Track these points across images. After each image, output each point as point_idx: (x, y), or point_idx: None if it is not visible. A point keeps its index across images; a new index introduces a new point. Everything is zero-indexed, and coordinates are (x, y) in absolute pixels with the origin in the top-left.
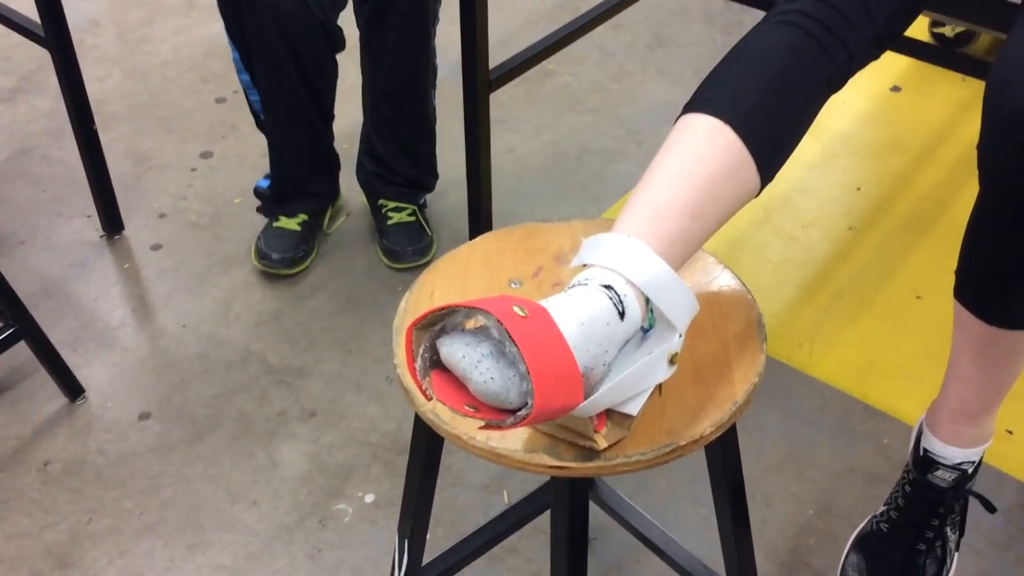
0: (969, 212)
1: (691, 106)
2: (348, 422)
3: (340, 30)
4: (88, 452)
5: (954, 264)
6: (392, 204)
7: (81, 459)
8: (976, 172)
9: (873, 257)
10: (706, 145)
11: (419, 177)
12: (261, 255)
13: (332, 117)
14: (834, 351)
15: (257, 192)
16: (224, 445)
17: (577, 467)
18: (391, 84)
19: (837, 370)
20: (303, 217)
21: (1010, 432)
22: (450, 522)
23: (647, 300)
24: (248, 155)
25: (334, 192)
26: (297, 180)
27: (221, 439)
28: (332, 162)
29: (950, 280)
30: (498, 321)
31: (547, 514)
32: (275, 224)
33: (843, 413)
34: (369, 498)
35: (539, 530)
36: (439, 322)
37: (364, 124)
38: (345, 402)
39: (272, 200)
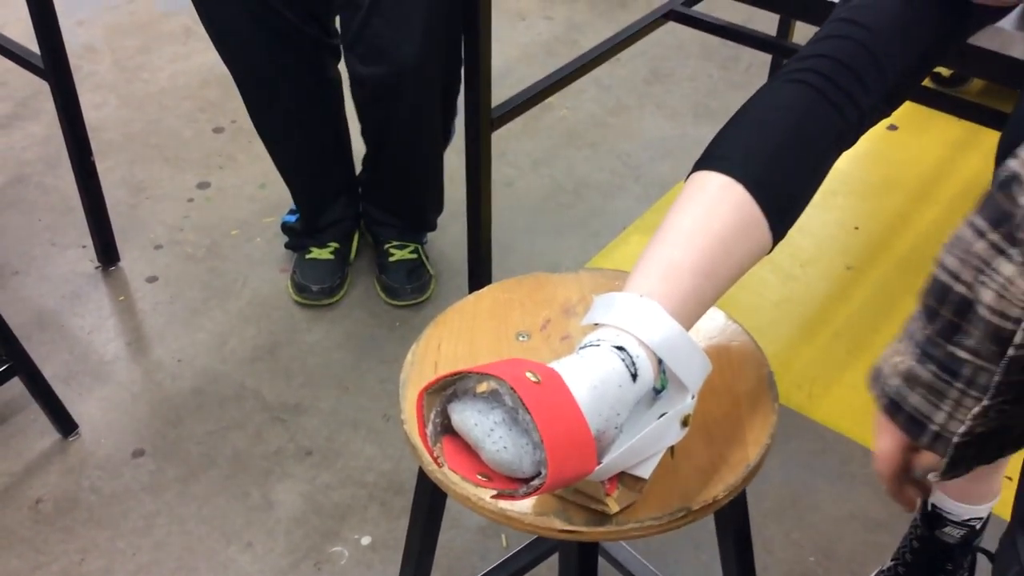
0: None
1: (702, 163)
2: (344, 461)
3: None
4: (81, 490)
5: None
6: (395, 242)
7: (74, 497)
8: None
9: (871, 297)
10: (718, 203)
11: (424, 220)
12: (300, 288)
13: (347, 141)
14: (833, 393)
15: (285, 227)
16: (218, 484)
17: (588, 532)
18: (395, 155)
19: (836, 412)
20: (334, 245)
21: (1009, 478)
22: (447, 566)
23: (659, 361)
24: (245, 186)
25: (358, 214)
26: (324, 210)
27: (215, 478)
28: (353, 183)
29: None
30: (511, 388)
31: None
32: (307, 256)
33: (843, 457)
34: (366, 540)
35: None
36: (450, 386)
37: (364, 169)
38: (341, 441)
39: (304, 233)
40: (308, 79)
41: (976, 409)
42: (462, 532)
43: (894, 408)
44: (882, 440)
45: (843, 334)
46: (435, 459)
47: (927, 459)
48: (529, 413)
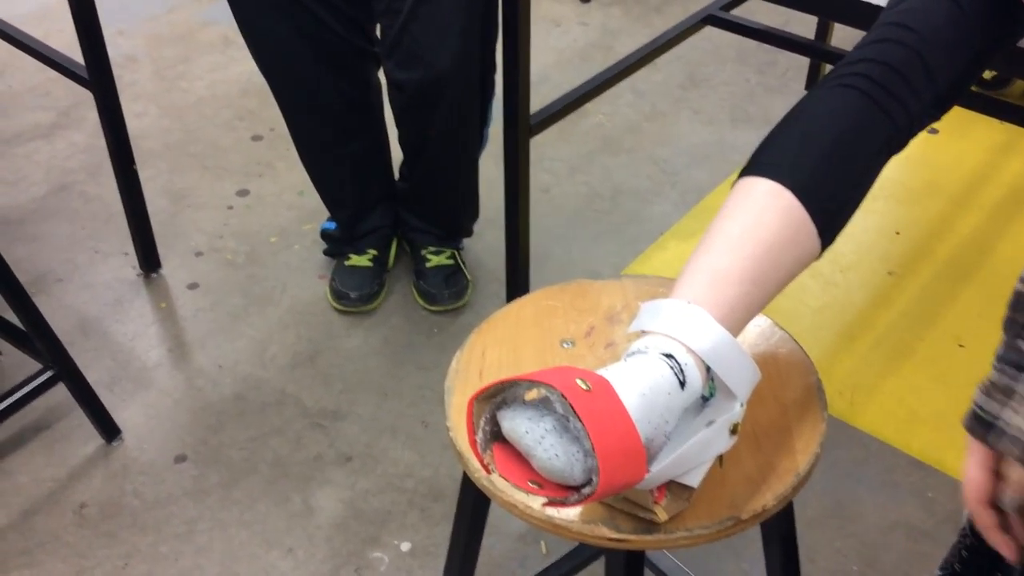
0: (1010, 257)
1: (749, 169)
2: (384, 467)
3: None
4: (124, 495)
5: (996, 311)
6: (432, 248)
7: (117, 502)
8: (1017, 216)
9: (913, 303)
10: (765, 209)
11: (460, 228)
12: (338, 295)
13: (387, 148)
14: (875, 400)
15: (324, 234)
16: (260, 490)
17: (637, 540)
18: (432, 161)
19: (879, 420)
20: (373, 252)
21: None
22: (487, 573)
23: (708, 368)
24: (284, 193)
25: (396, 221)
26: (364, 217)
27: (257, 483)
28: (392, 189)
29: (992, 328)
30: (562, 396)
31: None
32: (346, 263)
33: (887, 465)
34: (405, 546)
35: None
36: (499, 394)
37: (401, 176)
38: (381, 447)
39: (342, 240)
40: (350, 87)
41: None
42: (502, 539)
43: (971, 420)
44: (966, 462)
45: (885, 341)
46: (485, 466)
47: (1016, 476)
48: (580, 421)
